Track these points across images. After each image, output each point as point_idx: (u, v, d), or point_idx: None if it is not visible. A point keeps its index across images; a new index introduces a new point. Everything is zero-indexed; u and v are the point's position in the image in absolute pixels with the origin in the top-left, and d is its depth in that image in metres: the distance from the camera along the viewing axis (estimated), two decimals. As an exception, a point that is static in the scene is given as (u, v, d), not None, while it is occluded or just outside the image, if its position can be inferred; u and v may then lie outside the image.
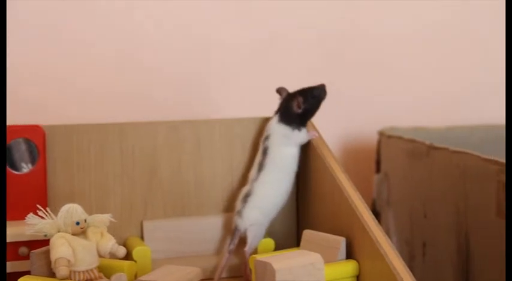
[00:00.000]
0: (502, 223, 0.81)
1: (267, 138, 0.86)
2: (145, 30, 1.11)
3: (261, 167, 0.85)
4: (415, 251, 1.01)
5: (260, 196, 0.84)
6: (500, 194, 0.81)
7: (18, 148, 0.83)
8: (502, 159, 0.81)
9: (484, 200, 0.84)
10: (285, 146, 0.85)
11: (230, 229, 0.87)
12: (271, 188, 0.85)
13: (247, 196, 0.85)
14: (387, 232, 1.06)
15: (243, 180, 0.88)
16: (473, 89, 1.24)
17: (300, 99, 0.85)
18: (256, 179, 0.85)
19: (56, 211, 0.73)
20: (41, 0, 1.06)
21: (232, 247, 0.84)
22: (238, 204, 0.85)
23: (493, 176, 0.82)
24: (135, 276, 0.77)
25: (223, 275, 0.84)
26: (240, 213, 0.85)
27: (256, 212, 0.84)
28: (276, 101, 0.88)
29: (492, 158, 0.83)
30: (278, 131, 0.86)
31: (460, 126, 1.14)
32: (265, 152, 0.86)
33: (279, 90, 0.88)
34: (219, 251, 0.89)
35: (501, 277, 0.82)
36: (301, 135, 0.86)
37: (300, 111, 0.85)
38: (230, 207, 0.90)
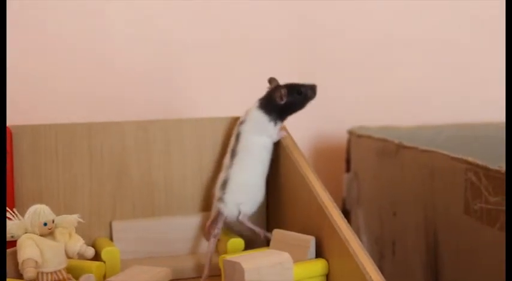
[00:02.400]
0: (470, 220, 0.81)
1: (242, 123, 0.86)
2: (115, 30, 1.11)
3: (233, 153, 0.85)
4: (384, 249, 1.02)
5: (238, 182, 0.84)
6: (468, 192, 0.81)
7: (-15, 149, 0.82)
8: (470, 158, 0.82)
9: (452, 199, 0.84)
10: (257, 135, 0.85)
11: (201, 228, 0.88)
12: (247, 174, 0.85)
13: (225, 182, 0.85)
14: (357, 231, 1.06)
15: (214, 180, 0.88)
16: (442, 88, 1.24)
17: (284, 91, 0.85)
18: (230, 166, 0.85)
19: (23, 212, 0.73)
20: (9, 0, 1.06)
21: (217, 231, 0.84)
22: (217, 191, 0.85)
23: (461, 175, 0.82)
24: (104, 277, 0.77)
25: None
26: (221, 199, 0.84)
27: (238, 194, 0.84)
28: (247, 101, 0.88)
29: (460, 157, 0.83)
30: (255, 117, 0.85)
31: (428, 126, 1.15)
32: (237, 138, 0.86)
33: (270, 80, 0.87)
34: (189, 251, 0.89)
35: (469, 274, 0.83)
36: (274, 130, 0.85)
37: (281, 103, 0.85)
38: (200, 207, 0.90)
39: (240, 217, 0.85)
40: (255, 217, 0.88)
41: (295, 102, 0.86)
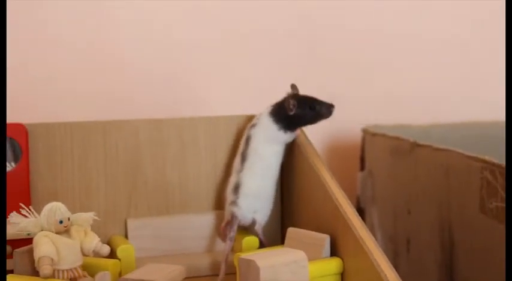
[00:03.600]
0: (485, 219, 0.81)
1: (253, 126, 0.86)
2: (127, 29, 1.11)
3: (243, 157, 0.85)
4: (399, 248, 1.02)
5: (251, 187, 0.84)
6: (484, 190, 0.81)
7: (1, 147, 0.82)
8: (485, 156, 0.81)
9: (468, 197, 0.84)
10: (268, 143, 0.85)
11: (216, 226, 0.88)
12: (259, 179, 0.85)
13: (237, 187, 0.85)
14: (371, 229, 1.06)
15: (228, 178, 0.88)
16: (456, 86, 1.24)
17: (294, 102, 0.83)
18: (241, 170, 0.85)
19: (39, 210, 0.73)
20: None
21: (233, 234, 0.84)
22: (229, 195, 0.85)
23: (476, 173, 0.82)
24: (119, 274, 0.77)
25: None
26: (235, 203, 0.84)
27: (252, 199, 0.84)
28: (258, 99, 0.88)
29: (476, 155, 0.83)
30: (265, 123, 0.85)
31: (443, 124, 1.14)
32: (247, 141, 0.85)
33: (292, 87, 0.86)
34: (204, 249, 0.89)
35: (484, 272, 0.82)
36: (285, 137, 0.85)
37: (290, 113, 0.84)
38: (214, 205, 0.90)
39: (256, 228, 0.85)
40: (270, 216, 0.87)
41: (305, 116, 0.84)
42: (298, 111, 0.84)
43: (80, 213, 0.74)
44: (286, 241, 0.79)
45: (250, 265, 0.66)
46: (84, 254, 0.74)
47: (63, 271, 0.72)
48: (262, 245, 0.85)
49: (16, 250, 0.73)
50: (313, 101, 0.84)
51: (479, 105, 1.23)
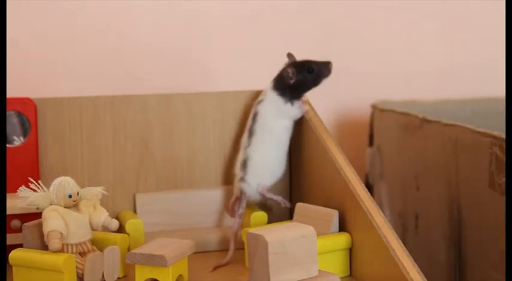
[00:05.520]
0: (494, 194, 0.81)
1: (260, 102, 0.85)
2: (136, 3, 1.10)
3: (251, 133, 0.85)
4: (407, 223, 1.02)
5: (259, 163, 0.84)
6: (493, 166, 0.81)
7: (10, 121, 0.83)
8: (495, 132, 0.81)
9: (477, 172, 0.84)
10: (277, 117, 0.84)
11: (225, 201, 0.89)
12: (268, 154, 0.85)
13: (244, 162, 0.85)
14: (380, 205, 1.06)
15: (236, 154, 0.88)
16: (465, 62, 1.23)
17: (292, 70, 0.83)
18: (248, 145, 0.85)
19: (48, 184, 0.73)
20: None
21: (242, 210, 0.84)
22: (237, 171, 0.85)
23: (485, 149, 0.82)
24: (128, 249, 0.77)
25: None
26: (244, 179, 0.84)
27: (261, 176, 0.84)
28: (269, 75, 0.87)
29: (485, 130, 0.83)
30: (271, 98, 0.85)
31: (452, 100, 1.14)
32: (255, 117, 0.85)
33: (288, 56, 0.86)
34: (212, 224, 0.89)
35: (493, 247, 0.82)
36: (293, 110, 0.85)
37: (291, 82, 0.84)
38: (222, 180, 0.90)
39: (260, 190, 0.85)
40: (278, 191, 0.88)
41: (306, 80, 0.84)
42: (298, 77, 0.83)
43: (88, 187, 0.75)
44: (294, 216, 0.79)
45: (259, 239, 0.66)
46: (92, 229, 0.74)
47: (72, 245, 0.72)
48: (268, 207, 0.85)
49: (25, 224, 0.74)
50: (310, 63, 0.84)
51: (489, 81, 1.22)
